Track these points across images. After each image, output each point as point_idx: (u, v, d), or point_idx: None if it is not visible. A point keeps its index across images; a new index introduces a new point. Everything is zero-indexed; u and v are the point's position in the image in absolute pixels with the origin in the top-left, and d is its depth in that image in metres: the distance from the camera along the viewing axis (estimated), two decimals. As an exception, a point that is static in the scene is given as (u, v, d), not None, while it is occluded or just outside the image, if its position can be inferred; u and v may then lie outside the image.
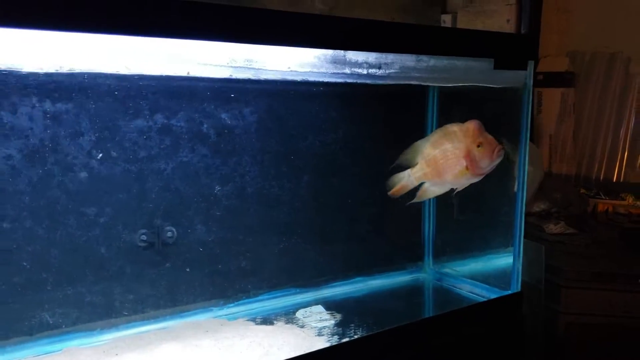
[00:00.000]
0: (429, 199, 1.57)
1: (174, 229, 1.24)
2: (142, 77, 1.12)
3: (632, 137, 2.42)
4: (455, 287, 1.55)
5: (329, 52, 1.09)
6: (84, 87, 1.07)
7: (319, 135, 1.38)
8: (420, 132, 1.53)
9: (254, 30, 0.96)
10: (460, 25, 2.04)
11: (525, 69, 1.35)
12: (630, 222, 1.98)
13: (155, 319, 1.23)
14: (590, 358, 1.59)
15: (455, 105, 1.54)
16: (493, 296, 1.44)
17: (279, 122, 1.32)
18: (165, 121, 1.17)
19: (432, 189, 1.34)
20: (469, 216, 1.57)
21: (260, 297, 1.37)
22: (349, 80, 1.16)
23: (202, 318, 1.28)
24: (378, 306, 1.44)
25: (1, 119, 1.02)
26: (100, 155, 1.11)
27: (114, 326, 1.19)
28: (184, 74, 1.06)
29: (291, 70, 1.10)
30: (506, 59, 1.31)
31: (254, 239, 1.34)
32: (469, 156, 1.26)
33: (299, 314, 1.33)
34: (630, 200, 2.13)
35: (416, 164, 1.31)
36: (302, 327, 1.27)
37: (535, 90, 2.45)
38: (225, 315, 1.31)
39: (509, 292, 1.43)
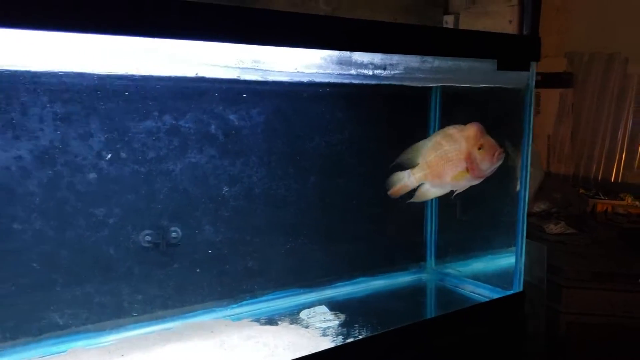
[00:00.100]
0: (431, 200, 1.58)
1: (178, 230, 1.24)
2: (149, 78, 1.12)
3: (630, 137, 2.43)
4: (458, 288, 1.56)
5: (335, 53, 1.09)
6: (92, 88, 1.07)
7: (324, 135, 1.38)
8: (423, 133, 1.53)
9: (261, 31, 0.96)
10: (463, 26, 2.04)
11: (528, 69, 1.36)
12: (629, 222, 2.00)
13: (160, 319, 1.23)
14: (591, 357, 1.60)
15: (457, 106, 1.55)
16: (495, 296, 1.45)
17: (286, 122, 1.32)
18: (173, 122, 1.17)
19: (432, 190, 1.35)
20: (471, 216, 1.58)
21: (264, 298, 1.37)
22: (354, 82, 1.16)
23: (206, 319, 1.28)
24: (381, 306, 1.44)
25: (11, 120, 1.01)
26: (109, 156, 1.11)
27: (119, 327, 1.18)
28: (192, 74, 1.06)
29: (298, 72, 1.10)
30: (509, 60, 1.32)
31: (258, 240, 1.34)
32: (469, 158, 1.26)
33: (303, 314, 1.34)
34: (629, 200, 2.14)
35: (417, 164, 1.32)
36: (306, 327, 1.27)
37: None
38: (230, 315, 1.31)
39: (511, 292, 1.43)
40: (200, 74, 1.05)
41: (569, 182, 2.42)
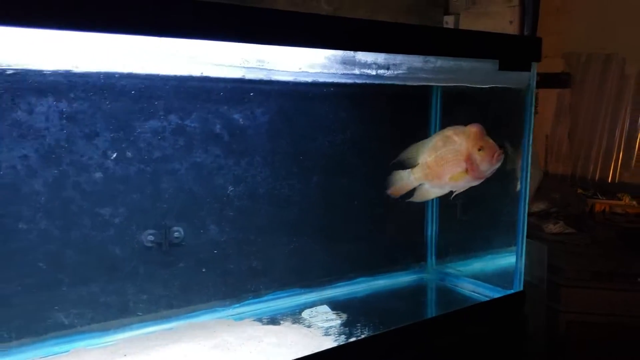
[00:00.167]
0: (432, 200, 1.58)
1: (181, 229, 1.23)
2: (152, 77, 1.12)
3: (627, 137, 2.45)
4: (458, 287, 1.56)
5: (339, 53, 1.09)
6: (96, 87, 1.07)
7: (326, 135, 1.39)
8: (424, 133, 1.54)
9: (266, 30, 0.96)
10: (463, 26, 2.05)
11: (529, 70, 1.37)
12: (627, 221, 2.01)
13: (163, 319, 1.23)
14: (591, 356, 1.61)
15: (458, 106, 1.55)
16: (496, 296, 1.45)
17: (289, 122, 1.32)
18: (178, 121, 1.17)
19: (432, 190, 1.35)
20: (472, 216, 1.58)
21: (265, 298, 1.36)
22: (357, 81, 1.16)
23: (208, 318, 1.28)
24: (382, 306, 1.44)
25: (18, 119, 1.01)
26: (114, 155, 1.11)
27: (122, 327, 1.18)
28: (197, 74, 1.06)
29: (302, 71, 1.10)
30: (511, 60, 1.32)
31: (260, 240, 1.34)
32: (469, 159, 1.27)
33: (305, 314, 1.34)
34: (626, 200, 2.15)
35: (417, 164, 1.32)
36: (309, 327, 1.27)
37: (532, 91, 2.46)
38: (232, 315, 1.30)
39: (512, 291, 1.44)
40: (206, 74, 1.05)
41: (567, 182, 2.43)
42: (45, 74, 1.01)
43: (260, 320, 1.29)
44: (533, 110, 1.40)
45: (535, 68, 1.37)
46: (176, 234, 1.23)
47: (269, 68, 1.06)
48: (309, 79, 1.18)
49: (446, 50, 1.23)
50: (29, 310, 1.08)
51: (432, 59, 1.22)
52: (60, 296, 1.11)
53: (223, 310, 1.30)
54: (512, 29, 1.86)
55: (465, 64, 1.32)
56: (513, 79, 1.39)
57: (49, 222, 1.08)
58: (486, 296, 1.47)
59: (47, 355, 1.09)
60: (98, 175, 1.11)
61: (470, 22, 2.01)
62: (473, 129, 1.28)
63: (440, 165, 1.30)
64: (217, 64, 1.00)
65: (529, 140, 1.40)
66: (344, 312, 1.35)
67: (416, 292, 1.57)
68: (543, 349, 1.63)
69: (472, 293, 1.51)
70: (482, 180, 1.31)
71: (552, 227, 1.89)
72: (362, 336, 1.22)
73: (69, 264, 1.12)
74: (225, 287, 1.31)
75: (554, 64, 2.53)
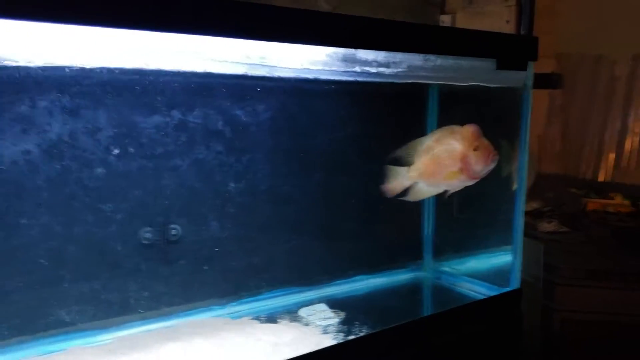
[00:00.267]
0: (429, 198, 1.58)
1: (178, 227, 1.22)
2: (150, 73, 1.11)
3: (618, 137, 2.47)
4: (455, 285, 1.56)
5: (341, 51, 1.09)
6: (99, 82, 1.06)
7: (327, 133, 1.38)
8: (421, 131, 1.54)
9: (268, 27, 0.95)
10: (459, 25, 2.05)
11: (526, 69, 1.37)
12: (620, 220, 2.03)
13: (159, 317, 1.22)
14: (586, 354, 1.62)
15: (454, 104, 1.56)
16: (492, 294, 1.46)
17: (290, 120, 1.32)
18: (181, 117, 1.16)
19: (426, 189, 1.35)
20: (468, 214, 1.59)
21: (262, 296, 1.36)
22: (358, 79, 1.16)
23: (205, 317, 1.27)
24: (379, 304, 1.44)
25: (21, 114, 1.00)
26: (115, 151, 1.10)
27: (118, 325, 1.17)
28: (200, 70, 1.05)
29: (304, 68, 1.10)
30: (509, 60, 1.33)
31: (257, 238, 1.34)
32: (464, 159, 1.28)
33: (303, 312, 1.33)
34: (619, 199, 2.17)
35: (412, 163, 1.32)
36: (307, 325, 1.27)
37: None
38: (229, 314, 1.30)
39: (508, 289, 1.45)
40: (208, 70, 1.05)
41: (560, 181, 2.45)
42: (45, 68, 1.00)
43: (258, 318, 1.29)
44: (530, 109, 1.41)
45: (532, 67, 1.38)
46: (173, 232, 1.22)
47: (271, 65, 1.06)
48: (310, 76, 1.17)
49: (446, 49, 1.23)
50: (23, 307, 1.07)
51: (431, 57, 1.22)
52: (55, 294, 1.10)
53: (221, 308, 1.30)
54: (508, 29, 1.87)
55: (463, 62, 1.32)
56: (509, 78, 1.40)
57: (41, 220, 1.07)
58: (483, 294, 1.48)
59: (43, 354, 1.07)
60: (98, 170, 1.10)
61: (467, 21, 2.02)
62: (469, 129, 1.29)
63: (435, 164, 1.30)
64: (220, 60, 1.00)
65: (525, 139, 1.41)
66: (341, 310, 1.35)
67: (413, 290, 1.58)
68: (539, 347, 1.64)
69: (469, 291, 1.52)
70: (476, 180, 1.32)
71: (546, 226, 1.90)
72: (360, 334, 1.22)
73: (64, 262, 1.10)
74: (223, 285, 1.30)
75: (545, 64, 2.54)
